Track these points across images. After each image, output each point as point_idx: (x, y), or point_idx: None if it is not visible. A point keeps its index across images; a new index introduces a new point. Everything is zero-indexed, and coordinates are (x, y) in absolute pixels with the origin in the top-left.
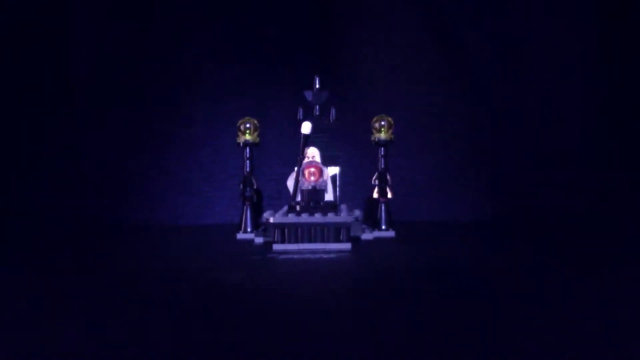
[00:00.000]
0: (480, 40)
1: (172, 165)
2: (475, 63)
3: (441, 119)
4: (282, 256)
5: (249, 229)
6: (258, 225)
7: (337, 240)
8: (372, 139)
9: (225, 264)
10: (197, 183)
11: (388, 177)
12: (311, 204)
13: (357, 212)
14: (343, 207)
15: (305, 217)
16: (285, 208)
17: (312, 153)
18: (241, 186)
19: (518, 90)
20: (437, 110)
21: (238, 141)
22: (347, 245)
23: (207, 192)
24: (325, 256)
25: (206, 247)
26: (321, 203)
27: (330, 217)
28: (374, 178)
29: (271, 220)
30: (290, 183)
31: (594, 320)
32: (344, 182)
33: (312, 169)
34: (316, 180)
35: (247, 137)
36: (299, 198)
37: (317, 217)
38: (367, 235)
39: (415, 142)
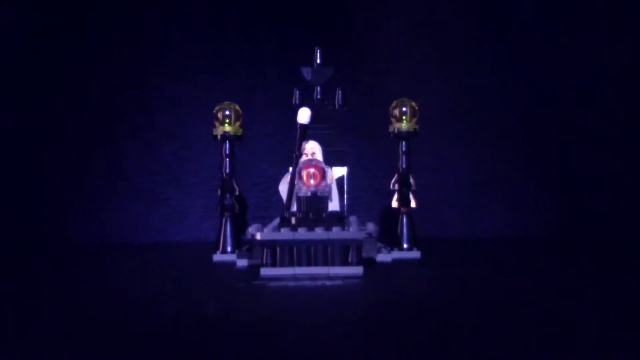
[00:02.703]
0: (537, 7)
1: (127, 165)
2: (528, 34)
3: (482, 106)
4: (272, 283)
5: (228, 248)
6: (241, 243)
7: (345, 262)
8: (391, 130)
9: (198, 293)
10: (161, 188)
11: (411, 180)
12: (311, 215)
13: (371, 226)
14: (352, 219)
15: (302, 233)
16: (277, 221)
17: (312, 149)
18: (219, 192)
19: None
20: (476, 93)
21: (215, 133)
22: (357, 270)
23: (174, 199)
24: (329, 284)
25: (172, 272)
26: (324, 214)
27: (336, 233)
28: (393, 181)
29: (258, 236)
30: (283, 188)
31: None
32: (353, 187)
33: (312, 170)
34: (317, 185)
35: (227, 128)
36: (294, 208)
37: (319, 233)
38: (384, 257)
39: (447, 134)
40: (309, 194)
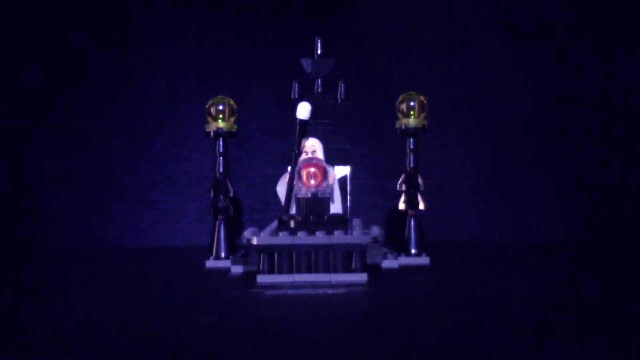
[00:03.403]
0: None
1: (113, 164)
2: (546, 23)
3: (496, 101)
4: (269, 292)
5: (222, 254)
6: (236, 248)
7: (348, 269)
8: (398, 126)
9: (189, 302)
10: (150, 189)
11: (420, 180)
12: (311, 218)
13: (376, 230)
14: (356, 222)
15: (302, 237)
16: (275, 224)
17: (313, 146)
18: (212, 193)
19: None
20: (490, 87)
21: (207, 130)
22: (361, 277)
23: (164, 202)
24: (331, 292)
25: (162, 279)
26: (325, 217)
27: (338, 237)
28: (399, 182)
29: (254, 241)
30: (281, 189)
31: None
32: (356, 188)
33: (312, 170)
34: (318, 185)
35: (220, 124)
36: (293, 210)
37: (320, 237)
38: (390, 263)
39: (458, 131)
40: (309, 195)
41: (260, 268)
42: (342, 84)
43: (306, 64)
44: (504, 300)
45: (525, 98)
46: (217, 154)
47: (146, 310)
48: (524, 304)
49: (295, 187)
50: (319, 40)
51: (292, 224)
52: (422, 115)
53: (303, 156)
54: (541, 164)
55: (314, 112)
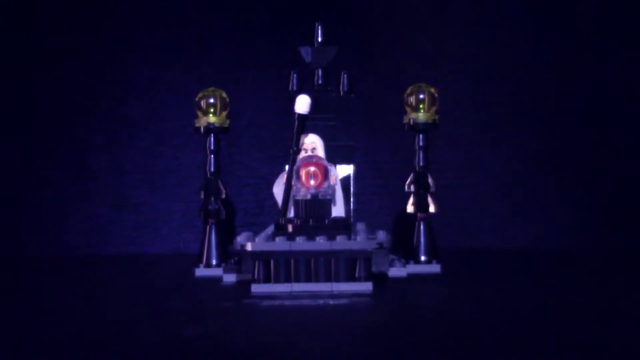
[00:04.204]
0: None
1: (91, 162)
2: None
3: (517, 93)
4: (265, 303)
5: (213, 261)
6: (228, 255)
7: (352, 278)
8: (406, 121)
9: (177, 315)
10: (133, 191)
11: (430, 180)
12: (311, 222)
13: (382, 235)
14: (360, 227)
15: (301, 243)
16: (271, 229)
17: (312, 143)
18: (202, 195)
19: None
20: (510, 78)
21: (197, 125)
22: (366, 286)
23: (148, 204)
24: (332, 303)
25: (147, 289)
26: (326, 220)
27: (341, 243)
28: (408, 182)
29: (249, 247)
30: (278, 190)
31: None
32: (361, 189)
33: (312, 169)
34: (318, 186)
35: (211, 118)
36: (291, 213)
37: (321, 243)
38: (397, 271)
39: (473, 126)
40: (309, 196)
41: (255, 277)
42: (345, 75)
43: (305, 52)
44: (524, 315)
45: (550, 88)
46: (208, 152)
47: (129, 325)
48: (547, 321)
49: (294, 188)
50: (320, 26)
51: (290, 228)
52: (433, 109)
53: (302, 154)
54: (568, 164)
55: (314, 106)
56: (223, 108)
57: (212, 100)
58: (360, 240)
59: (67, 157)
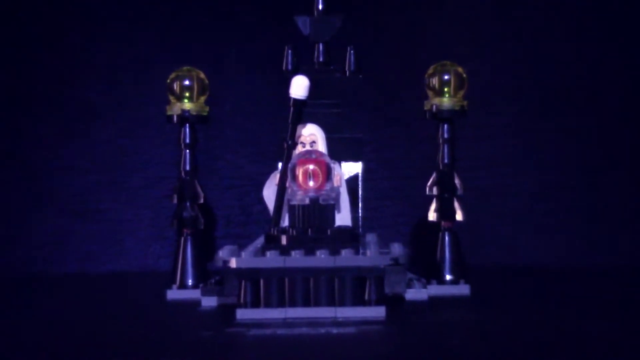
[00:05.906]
0: None
1: (40, 160)
2: None
3: (563, 75)
4: (253, 331)
5: (189, 281)
6: (207, 273)
7: (360, 301)
8: (428, 107)
9: (147, 346)
10: (91, 194)
11: (457, 182)
12: (310, 232)
13: (397, 249)
14: (370, 238)
15: (298, 258)
16: (261, 241)
17: (312, 136)
18: (175, 199)
19: None
20: (553, 58)
21: (169, 113)
22: (378, 312)
23: (110, 211)
24: (336, 332)
25: (109, 315)
26: (329, 231)
27: (347, 258)
28: (430, 184)
29: (233, 263)
30: (268, 193)
31: None
32: (371, 191)
33: (311, 167)
34: (319, 188)
35: (187, 105)
36: (285, 222)
37: (322, 258)
38: (417, 293)
39: (508, 116)
40: (307, 201)
41: (241, 300)
42: (352, 51)
43: (303, 23)
44: (568, 345)
45: (600, 70)
46: (182, 146)
47: (89, 356)
48: (595, 351)
49: (288, 191)
50: None
51: (284, 240)
52: (461, 93)
53: (299, 148)
54: (624, 163)
55: (313, 89)
56: (201, 92)
57: (187, 83)
58: (370, 255)
59: (12, 154)
